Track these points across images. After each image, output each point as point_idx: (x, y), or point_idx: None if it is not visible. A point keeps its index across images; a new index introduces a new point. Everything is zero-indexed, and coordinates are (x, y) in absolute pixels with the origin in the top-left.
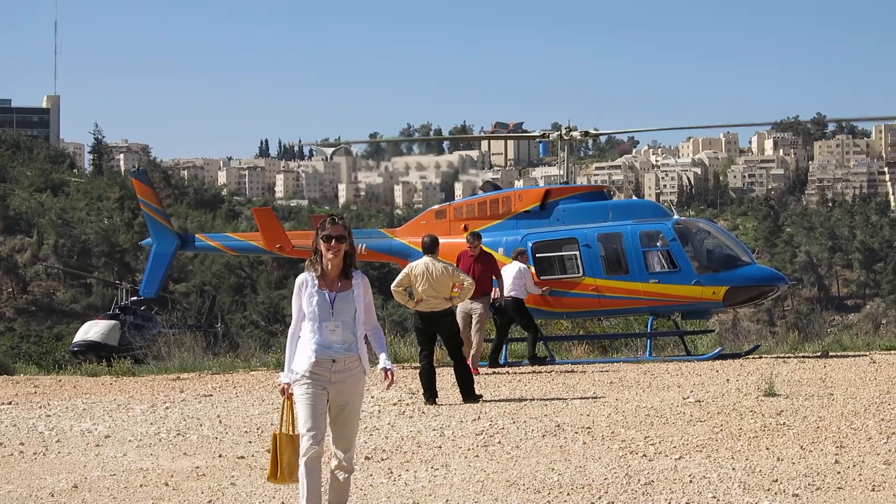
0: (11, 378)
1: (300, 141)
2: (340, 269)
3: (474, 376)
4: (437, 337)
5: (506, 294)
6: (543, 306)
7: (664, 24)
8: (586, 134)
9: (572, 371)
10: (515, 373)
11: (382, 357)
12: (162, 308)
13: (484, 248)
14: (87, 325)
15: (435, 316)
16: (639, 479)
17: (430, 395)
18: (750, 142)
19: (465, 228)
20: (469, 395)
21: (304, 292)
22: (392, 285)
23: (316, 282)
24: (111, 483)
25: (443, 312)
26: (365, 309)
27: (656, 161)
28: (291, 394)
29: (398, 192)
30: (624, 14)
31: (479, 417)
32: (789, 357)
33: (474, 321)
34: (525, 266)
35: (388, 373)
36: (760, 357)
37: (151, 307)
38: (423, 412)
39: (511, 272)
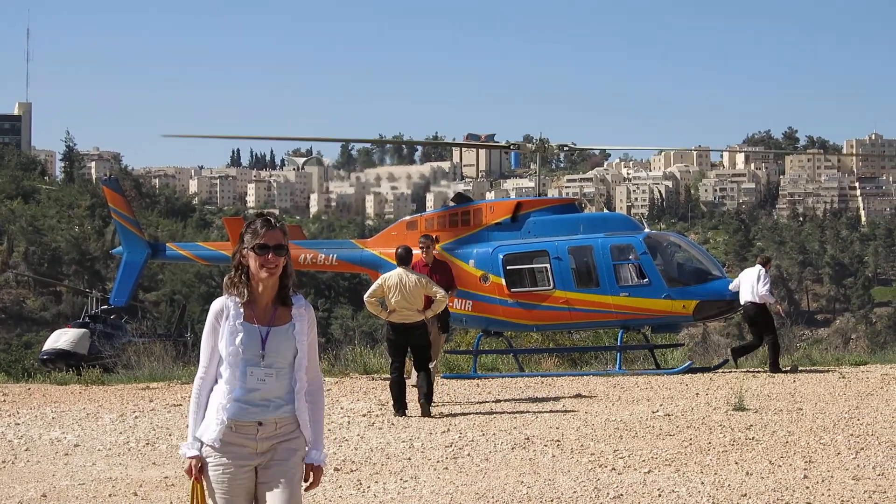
0: None
1: (272, 151)
2: (276, 293)
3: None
4: (408, 349)
5: (745, 299)
6: (515, 319)
7: (638, 36)
8: (561, 147)
9: (542, 384)
10: (485, 386)
11: (314, 440)
12: (132, 317)
13: (444, 253)
14: (56, 333)
15: (407, 327)
16: (608, 493)
17: (400, 406)
18: (721, 156)
19: (437, 240)
20: (427, 410)
21: (224, 325)
22: (365, 295)
23: (241, 310)
24: (80, 492)
25: (415, 324)
26: (308, 351)
27: (627, 174)
28: (200, 475)
29: (369, 202)
30: (597, 26)
31: (448, 429)
32: (759, 371)
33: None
34: (764, 272)
35: (316, 470)
36: (730, 371)
37: (121, 316)
38: (393, 424)
39: (751, 277)
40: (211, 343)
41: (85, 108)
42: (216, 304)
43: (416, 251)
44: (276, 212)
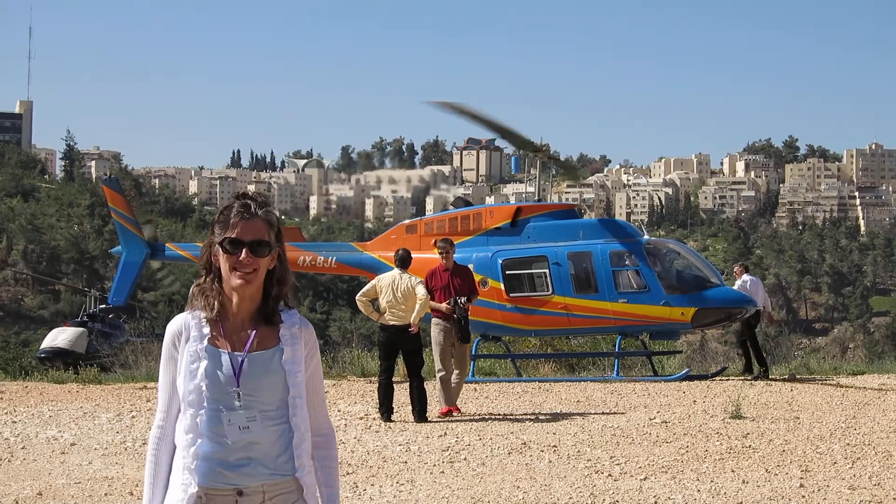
0: None
1: (272, 152)
2: (256, 307)
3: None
4: (398, 352)
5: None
6: (513, 323)
7: (639, 42)
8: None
9: (539, 389)
10: (482, 390)
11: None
12: (130, 316)
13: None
14: (54, 331)
15: (399, 330)
16: (604, 499)
17: (386, 411)
18: (721, 163)
19: (436, 243)
20: (421, 415)
21: (183, 351)
22: (357, 294)
23: (205, 331)
24: (76, 491)
25: (407, 327)
26: (310, 390)
27: (627, 180)
28: None
29: (369, 205)
30: (598, 31)
31: (445, 433)
32: (756, 380)
33: (462, 353)
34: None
35: None
36: (728, 379)
37: (120, 315)
38: (390, 427)
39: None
40: (169, 378)
41: (86, 107)
42: (173, 324)
43: (420, 255)
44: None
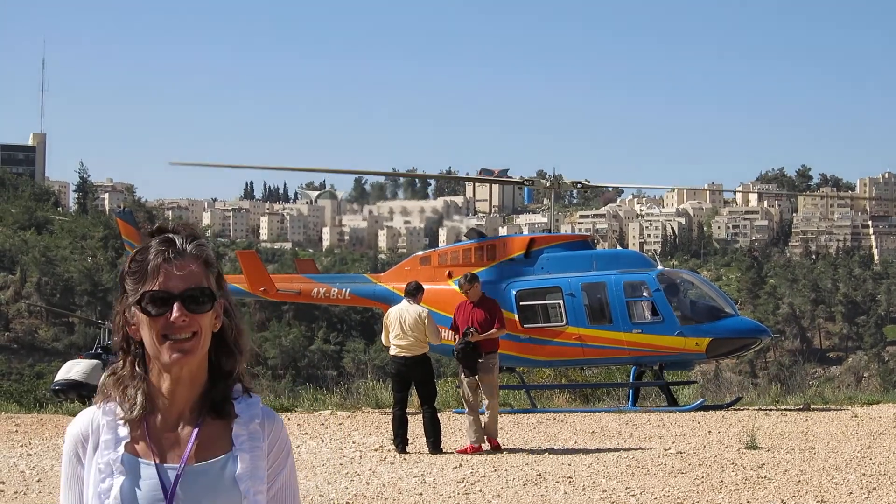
0: None
1: (285, 184)
2: (199, 393)
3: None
4: (411, 383)
5: None
6: (527, 354)
7: (652, 72)
8: (575, 185)
9: (554, 420)
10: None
11: None
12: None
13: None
14: (68, 363)
15: (409, 361)
16: None
17: (401, 443)
18: (734, 193)
19: (450, 275)
20: (436, 447)
21: (90, 464)
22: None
23: (121, 433)
24: None
25: (417, 359)
26: None
27: (640, 210)
28: None
29: (382, 236)
30: (610, 62)
31: (460, 465)
32: (771, 409)
33: (483, 386)
34: None
35: None
36: (742, 409)
37: None
38: (405, 459)
39: None
40: (74, 499)
41: (99, 139)
42: (75, 426)
43: (433, 286)
44: (289, 245)
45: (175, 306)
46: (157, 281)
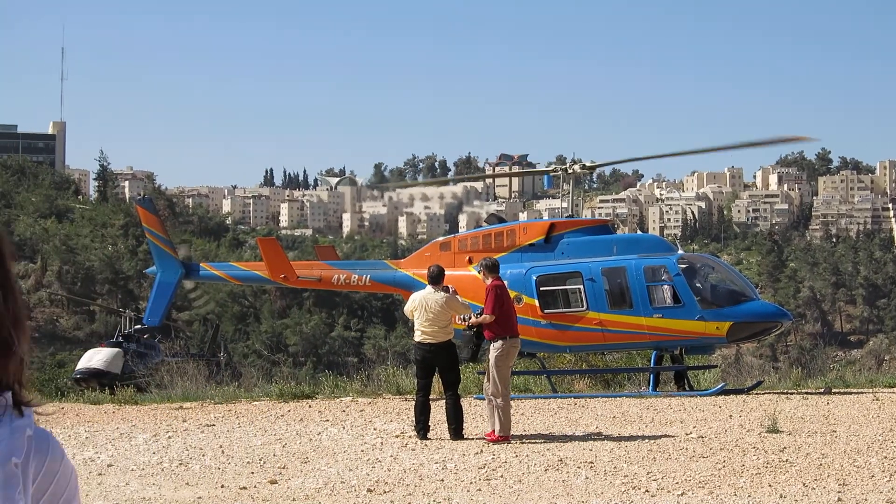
0: None
1: (305, 170)
2: None
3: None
4: (435, 370)
5: None
6: (548, 340)
7: (670, 55)
8: (584, 167)
9: (575, 405)
10: (518, 407)
11: None
12: (165, 336)
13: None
14: (90, 352)
15: (434, 348)
16: None
17: (423, 429)
18: (754, 176)
19: (470, 261)
20: (457, 433)
21: None
22: (405, 308)
23: None
24: None
25: (441, 345)
26: None
27: (660, 194)
28: None
29: (402, 222)
30: (629, 46)
31: (481, 451)
32: (792, 393)
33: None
34: None
35: None
36: (763, 393)
37: (155, 335)
38: (426, 445)
39: None
40: None
41: (119, 127)
42: None
43: (453, 272)
44: (309, 232)
45: None
46: None
